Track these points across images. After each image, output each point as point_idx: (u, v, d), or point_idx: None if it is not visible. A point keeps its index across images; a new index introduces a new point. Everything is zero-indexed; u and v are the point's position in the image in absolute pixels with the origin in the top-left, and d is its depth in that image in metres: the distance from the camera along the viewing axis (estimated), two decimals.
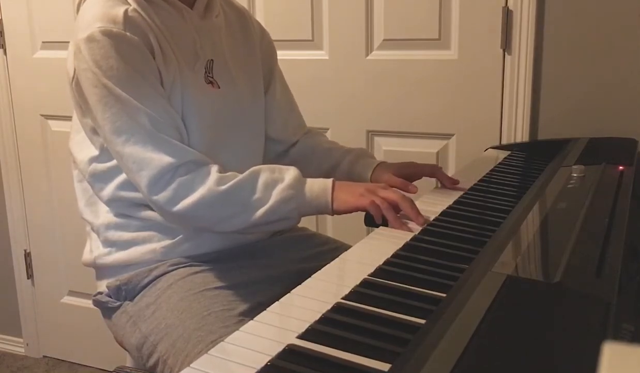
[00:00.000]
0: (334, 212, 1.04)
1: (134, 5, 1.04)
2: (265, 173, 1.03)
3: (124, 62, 1.00)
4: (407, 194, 1.05)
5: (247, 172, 1.03)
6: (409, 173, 1.24)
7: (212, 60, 1.14)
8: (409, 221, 1.01)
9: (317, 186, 1.04)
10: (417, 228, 0.99)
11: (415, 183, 1.20)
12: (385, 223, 1.02)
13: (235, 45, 1.23)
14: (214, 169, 1.03)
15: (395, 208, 1.02)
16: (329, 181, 1.05)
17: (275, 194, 1.01)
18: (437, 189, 1.24)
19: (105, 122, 1.01)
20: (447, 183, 1.23)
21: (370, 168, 1.26)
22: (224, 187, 1.01)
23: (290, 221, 1.05)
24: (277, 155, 1.35)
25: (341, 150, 1.32)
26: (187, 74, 1.09)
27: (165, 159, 1.00)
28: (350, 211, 1.04)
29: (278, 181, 1.03)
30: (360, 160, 1.28)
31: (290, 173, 1.04)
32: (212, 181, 1.01)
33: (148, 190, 1.01)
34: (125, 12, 1.02)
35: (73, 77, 1.07)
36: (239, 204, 1.01)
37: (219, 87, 1.14)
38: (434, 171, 1.25)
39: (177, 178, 1.00)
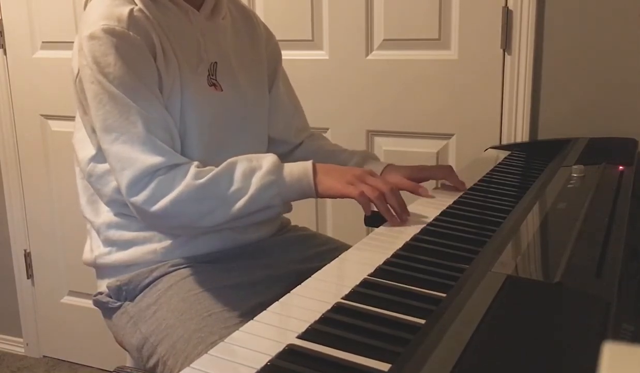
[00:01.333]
0: (318, 195, 1.03)
1: (139, 5, 1.04)
2: (242, 162, 1.02)
3: (122, 60, 1.00)
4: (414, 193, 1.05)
5: (224, 163, 1.02)
6: (420, 177, 1.22)
7: (215, 62, 1.14)
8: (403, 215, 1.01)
9: (296, 169, 1.02)
10: (409, 222, 1.00)
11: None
12: (383, 222, 1.02)
13: (241, 48, 1.22)
14: (194, 165, 1.01)
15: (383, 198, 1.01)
16: (309, 162, 1.03)
17: (255, 182, 1.00)
18: (437, 189, 1.24)
19: (97, 119, 1.01)
20: (458, 187, 1.21)
21: (379, 168, 1.25)
22: (201, 181, 0.99)
23: (275, 209, 1.03)
24: (280, 157, 1.34)
25: (346, 152, 1.32)
26: (188, 76, 1.08)
27: (149, 160, 0.98)
28: (335, 197, 1.03)
29: (256, 169, 1.01)
30: (367, 162, 1.28)
31: (267, 159, 1.03)
32: (189, 176, 0.99)
33: (127, 191, 0.99)
34: (131, 11, 1.02)
35: (77, 75, 1.07)
36: (219, 197, 0.99)
37: (222, 90, 1.14)
38: (445, 175, 1.23)
39: (156, 178, 0.99)
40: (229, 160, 1.02)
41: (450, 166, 1.27)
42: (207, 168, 1.02)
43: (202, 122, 1.09)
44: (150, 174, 0.98)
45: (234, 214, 1.00)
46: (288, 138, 1.34)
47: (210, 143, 1.11)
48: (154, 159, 0.98)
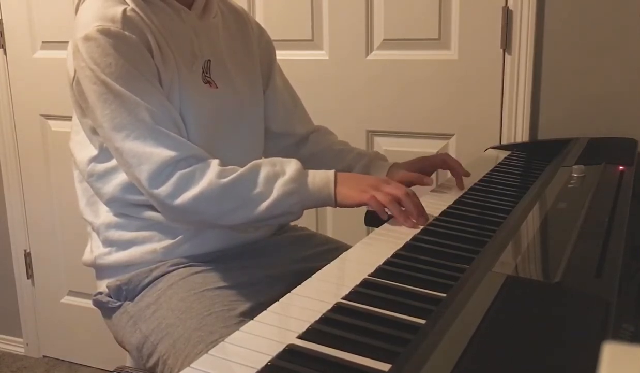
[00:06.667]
0: (337, 205, 1.04)
1: (132, 5, 1.05)
2: (266, 166, 1.03)
3: (122, 59, 1.00)
4: (413, 190, 1.05)
5: (247, 165, 1.03)
6: (420, 167, 1.26)
7: (209, 60, 1.14)
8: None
9: (319, 178, 1.03)
10: (420, 225, 0.99)
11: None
12: (383, 221, 1.02)
13: (233, 45, 1.23)
14: (215, 162, 1.02)
15: (398, 203, 1.02)
16: (331, 173, 1.04)
17: (278, 187, 1.01)
18: (437, 190, 1.24)
19: (104, 119, 1.01)
20: (457, 173, 1.24)
21: (384, 170, 1.26)
22: (224, 180, 1.00)
23: (293, 215, 1.04)
24: (286, 150, 1.35)
25: (354, 152, 1.33)
26: (185, 74, 1.09)
27: (165, 153, 0.99)
28: (352, 206, 1.04)
29: (279, 174, 1.02)
30: (373, 163, 1.29)
31: (291, 166, 1.04)
32: (213, 174, 1.00)
33: (148, 184, 1.00)
34: (124, 11, 1.03)
35: (74, 78, 1.07)
36: (241, 198, 1.00)
37: (217, 87, 1.14)
38: (444, 160, 1.27)
39: (177, 172, 0.99)
40: (253, 162, 1.04)
41: (447, 153, 1.30)
42: (230, 167, 1.02)
43: (199, 119, 1.09)
44: (170, 166, 0.99)
45: (254, 216, 1.01)
46: (290, 130, 1.34)
47: (207, 140, 1.11)
48: (170, 152, 0.99)
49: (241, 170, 1.02)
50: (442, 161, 1.27)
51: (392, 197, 1.01)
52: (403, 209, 1.01)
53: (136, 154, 1.00)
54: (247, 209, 1.01)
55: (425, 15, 1.64)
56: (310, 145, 1.35)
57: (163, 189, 0.99)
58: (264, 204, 1.00)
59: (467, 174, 1.25)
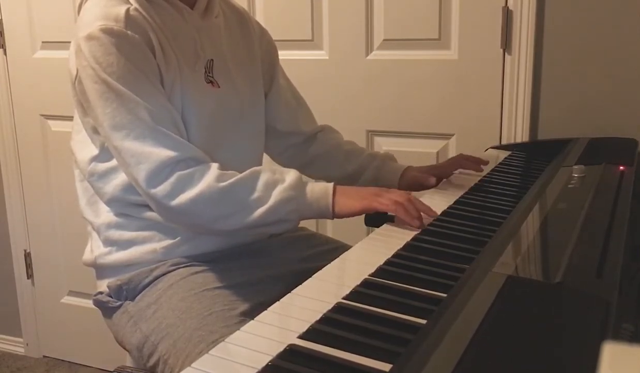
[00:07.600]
0: (334, 216, 1.04)
1: (135, 4, 1.05)
2: (265, 173, 1.03)
3: (124, 58, 1.00)
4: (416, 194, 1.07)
5: (247, 171, 1.03)
6: (436, 173, 1.28)
7: (212, 60, 1.14)
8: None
9: (317, 188, 1.04)
10: (423, 227, 1.00)
11: None
12: (383, 222, 1.02)
13: (234, 46, 1.23)
14: (214, 166, 1.02)
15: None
16: (330, 184, 1.05)
17: (276, 194, 1.01)
18: (437, 190, 1.24)
19: (105, 117, 1.01)
20: (475, 169, 1.29)
21: (398, 173, 1.28)
22: (223, 184, 1.00)
23: (289, 224, 1.04)
24: (294, 148, 1.35)
25: (365, 154, 1.34)
26: (187, 73, 1.09)
27: (164, 153, 0.99)
28: (354, 215, 1.04)
29: (278, 181, 1.02)
30: (386, 165, 1.30)
31: (291, 175, 1.04)
32: (212, 177, 1.00)
33: (146, 183, 0.99)
34: (127, 11, 1.03)
35: (76, 77, 1.07)
36: (238, 203, 1.00)
37: (219, 87, 1.14)
38: (460, 163, 1.30)
39: (176, 172, 0.99)
40: (253, 168, 1.04)
41: (461, 154, 1.34)
42: (230, 172, 1.02)
43: (200, 119, 1.10)
44: (168, 167, 0.99)
45: (250, 222, 1.01)
46: (296, 129, 1.35)
47: (208, 140, 1.11)
48: (169, 152, 0.99)
49: (240, 175, 1.02)
50: (459, 166, 1.31)
51: (394, 201, 1.01)
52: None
53: (135, 153, 0.99)
54: (244, 214, 1.00)
55: (425, 15, 1.64)
56: (318, 143, 1.36)
57: (160, 189, 0.99)
58: (261, 210, 1.00)
59: (486, 163, 1.30)
